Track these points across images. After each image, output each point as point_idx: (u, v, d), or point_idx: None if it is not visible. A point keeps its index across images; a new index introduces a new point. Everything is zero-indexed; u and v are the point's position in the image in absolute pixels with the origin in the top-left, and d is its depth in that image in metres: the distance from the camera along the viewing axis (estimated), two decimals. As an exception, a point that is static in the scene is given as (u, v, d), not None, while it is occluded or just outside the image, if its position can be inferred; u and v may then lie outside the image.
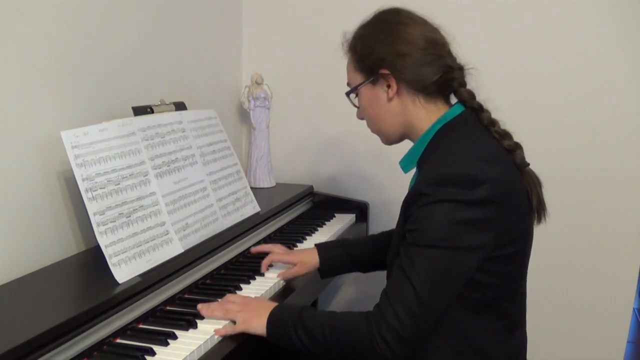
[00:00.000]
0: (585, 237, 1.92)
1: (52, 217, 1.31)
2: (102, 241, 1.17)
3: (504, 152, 1.11)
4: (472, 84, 1.16)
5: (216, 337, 1.11)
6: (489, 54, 1.87)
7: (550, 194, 1.15)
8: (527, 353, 1.21)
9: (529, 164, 1.14)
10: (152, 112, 1.46)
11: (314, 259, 1.41)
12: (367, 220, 2.01)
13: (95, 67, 1.45)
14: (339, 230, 1.82)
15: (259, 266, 1.42)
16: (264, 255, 1.46)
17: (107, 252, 1.17)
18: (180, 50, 1.81)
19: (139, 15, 1.61)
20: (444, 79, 1.12)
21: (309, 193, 2.03)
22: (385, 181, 2.09)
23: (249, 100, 2.06)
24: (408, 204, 1.06)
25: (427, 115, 1.14)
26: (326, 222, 1.87)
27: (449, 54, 1.14)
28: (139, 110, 1.43)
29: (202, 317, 1.17)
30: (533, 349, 1.26)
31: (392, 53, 1.11)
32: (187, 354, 1.03)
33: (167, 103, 1.53)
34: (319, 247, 1.44)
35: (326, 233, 1.77)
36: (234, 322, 1.14)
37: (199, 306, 1.18)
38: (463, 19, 1.88)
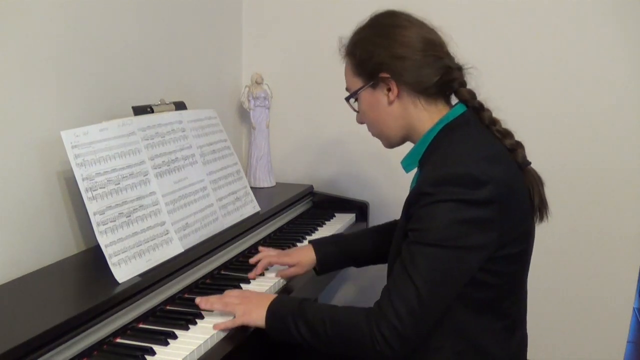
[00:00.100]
0: (586, 237, 1.92)
1: (52, 217, 1.31)
2: (102, 241, 1.17)
3: (506, 152, 1.11)
4: (472, 83, 1.16)
5: (216, 336, 1.11)
6: (489, 54, 1.87)
7: (550, 194, 1.15)
8: (527, 353, 1.22)
9: (530, 163, 1.14)
10: (152, 111, 1.46)
11: (310, 258, 1.41)
12: (367, 220, 2.01)
13: (95, 67, 1.45)
14: (338, 230, 1.82)
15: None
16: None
17: (107, 252, 1.17)
18: (180, 50, 1.81)
19: (139, 15, 1.61)
20: (444, 79, 1.12)
21: (309, 193, 2.03)
22: (386, 181, 2.09)
23: (249, 100, 2.06)
24: (410, 204, 1.06)
25: (428, 116, 1.13)
26: (326, 222, 1.88)
27: (447, 54, 1.14)
28: (139, 110, 1.43)
29: (202, 317, 1.17)
30: (533, 349, 1.26)
31: (391, 56, 1.10)
32: (187, 353, 1.03)
33: (167, 103, 1.53)
34: (315, 243, 1.43)
35: (326, 233, 1.77)
36: (234, 318, 1.14)
37: (198, 299, 1.18)
38: (463, 19, 1.89)
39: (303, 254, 1.42)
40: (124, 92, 1.54)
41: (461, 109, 1.14)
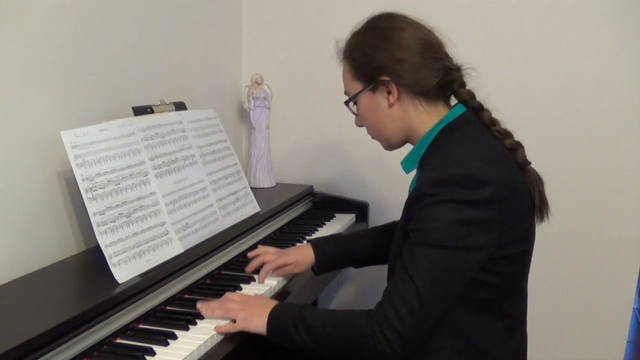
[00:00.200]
0: (586, 237, 1.92)
1: (52, 217, 1.31)
2: (102, 241, 1.17)
3: (506, 152, 1.11)
4: (471, 84, 1.16)
5: (216, 337, 1.11)
6: (488, 54, 1.87)
7: (550, 194, 1.15)
8: (527, 353, 1.22)
9: (530, 163, 1.14)
10: (152, 112, 1.46)
11: (308, 256, 1.40)
12: (367, 221, 2.01)
13: (95, 67, 1.45)
14: (339, 230, 1.81)
15: (259, 266, 1.42)
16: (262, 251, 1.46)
17: (107, 252, 1.16)
18: (180, 50, 1.81)
19: (139, 16, 1.61)
20: (443, 81, 1.12)
21: (309, 193, 2.03)
22: (386, 181, 2.09)
23: (249, 100, 2.06)
24: (410, 205, 1.06)
25: (428, 118, 1.13)
26: (326, 222, 1.87)
27: (446, 55, 1.14)
28: (139, 110, 1.43)
29: (202, 317, 1.16)
30: (533, 349, 1.26)
31: (391, 59, 1.10)
32: (187, 354, 1.03)
33: (167, 103, 1.53)
34: (313, 243, 1.43)
35: (326, 233, 1.76)
36: (234, 321, 1.14)
37: (199, 305, 1.18)
38: (462, 19, 1.89)
39: (301, 253, 1.41)
40: (124, 92, 1.54)
41: (461, 109, 1.14)
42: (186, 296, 1.29)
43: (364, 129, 1.23)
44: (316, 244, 1.43)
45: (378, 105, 1.15)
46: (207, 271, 1.40)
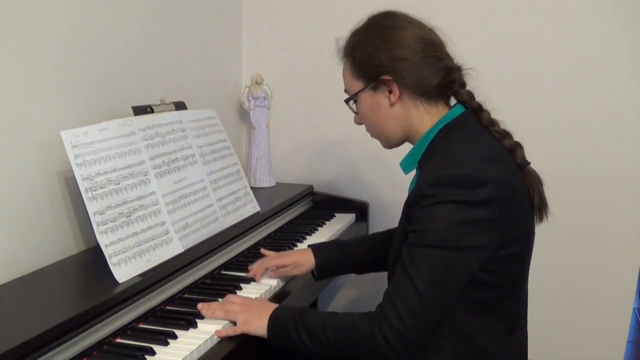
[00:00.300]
0: (586, 237, 1.92)
1: (52, 217, 1.31)
2: (102, 241, 1.17)
3: (505, 152, 1.11)
4: (471, 84, 1.16)
5: (216, 337, 1.11)
6: (488, 54, 1.86)
7: (550, 194, 1.15)
8: (527, 353, 1.22)
9: (529, 163, 1.14)
10: (152, 112, 1.46)
11: (308, 261, 1.39)
12: (367, 220, 2.01)
13: (95, 67, 1.45)
14: (339, 230, 1.82)
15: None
16: (262, 255, 1.46)
17: (107, 252, 1.17)
18: (180, 50, 1.81)
19: (139, 15, 1.61)
20: (444, 80, 1.12)
21: (309, 193, 2.03)
22: (386, 181, 2.09)
23: (249, 100, 2.06)
24: (410, 205, 1.06)
25: (429, 118, 1.13)
26: (326, 222, 1.87)
27: (447, 55, 1.14)
28: (139, 110, 1.43)
29: (202, 317, 1.17)
30: (533, 349, 1.26)
31: (392, 58, 1.10)
32: (187, 353, 1.03)
33: (167, 103, 1.53)
34: (314, 248, 1.42)
35: (326, 233, 1.77)
36: (234, 323, 1.14)
37: (200, 306, 1.18)
38: (462, 19, 1.89)
39: (300, 255, 1.41)
40: (124, 92, 1.54)
41: (460, 109, 1.14)
42: (186, 296, 1.29)
43: (363, 127, 1.23)
44: (317, 249, 1.41)
45: (379, 104, 1.15)
46: (207, 271, 1.40)
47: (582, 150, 1.87)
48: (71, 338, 0.98)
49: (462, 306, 1.06)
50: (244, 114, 2.18)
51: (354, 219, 1.98)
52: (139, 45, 1.61)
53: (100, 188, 1.21)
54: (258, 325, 1.12)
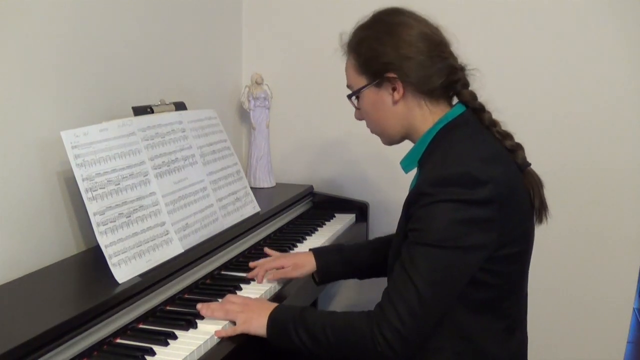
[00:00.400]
0: (585, 237, 1.92)
1: (52, 217, 1.31)
2: (102, 241, 1.17)
3: (505, 152, 1.11)
4: (473, 85, 1.16)
5: (216, 337, 1.11)
6: (488, 55, 1.86)
7: (549, 195, 1.15)
8: (527, 353, 1.21)
9: (530, 164, 1.13)
10: (152, 112, 1.46)
11: (309, 263, 1.39)
12: (367, 220, 2.01)
13: (95, 67, 1.45)
14: (339, 231, 1.82)
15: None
16: (263, 255, 1.46)
17: (107, 252, 1.16)
18: (180, 50, 1.81)
19: (139, 15, 1.61)
20: (448, 80, 1.11)
21: (309, 193, 2.03)
22: (386, 181, 2.09)
23: (249, 100, 2.06)
24: (410, 204, 1.06)
25: (431, 117, 1.13)
26: (326, 222, 1.87)
27: (451, 54, 1.14)
28: (139, 110, 1.43)
29: (202, 317, 1.16)
30: (533, 349, 1.26)
31: (398, 56, 1.09)
32: (187, 354, 1.03)
33: (167, 103, 1.53)
34: (315, 252, 1.41)
35: (326, 233, 1.77)
36: (234, 323, 1.14)
37: (199, 306, 1.18)
38: (462, 20, 1.88)
39: (300, 257, 1.40)
40: (124, 92, 1.54)
41: (460, 109, 1.14)
42: (186, 296, 1.29)
43: (363, 126, 1.23)
44: (318, 252, 1.40)
45: (382, 101, 1.14)
46: (207, 271, 1.40)
47: (582, 150, 1.87)
48: (71, 338, 0.98)
49: (462, 306, 1.06)
50: (244, 114, 2.18)
51: (354, 219, 1.98)
52: (139, 45, 1.61)
53: (100, 188, 1.21)
54: (258, 324, 1.12)
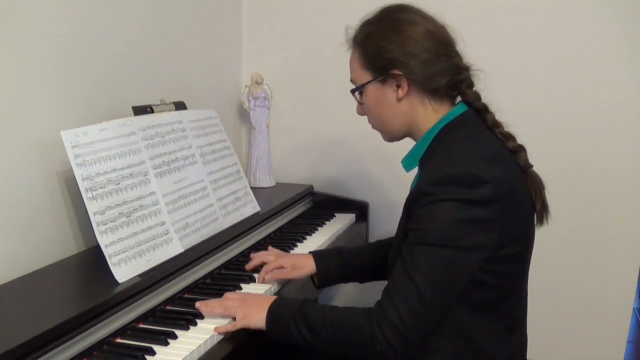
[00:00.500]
0: (585, 237, 1.92)
1: (52, 217, 1.31)
2: (102, 241, 1.17)
3: (507, 152, 1.11)
4: (477, 85, 1.16)
5: (216, 336, 1.11)
6: (489, 56, 1.85)
7: (550, 195, 1.15)
8: (527, 353, 1.21)
9: (532, 166, 1.13)
10: (152, 111, 1.46)
11: (308, 265, 1.38)
12: (367, 220, 2.01)
13: (95, 67, 1.45)
14: (339, 230, 1.82)
15: (260, 266, 1.42)
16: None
17: (107, 252, 1.17)
18: (180, 50, 1.81)
19: (139, 15, 1.61)
20: (453, 79, 1.11)
21: (309, 193, 2.03)
22: (386, 181, 2.09)
23: (249, 100, 2.06)
24: (411, 203, 1.06)
25: (434, 115, 1.13)
26: (326, 222, 1.87)
27: (457, 53, 1.13)
28: (139, 110, 1.43)
29: (202, 317, 1.16)
30: (533, 349, 1.26)
31: (404, 54, 1.09)
32: (187, 353, 1.03)
33: (167, 103, 1.53)
34: (315, 254, 1.40)
35: (326, 233, 1.77)
36: (234, 320, 1.14)
37: (198, 304, 1.18)
38: (461, 19, 1.88)
39: (299, 259, 1.40)
40: (124, 92, 1.54)
41: (461, 108, 1.14)
42: (186, 296, 1.29)
43: (363, 125, 1.22)
44: (318, 256, 1.40)
45: (386, 97, 1.14)
46: (207, 271, 1.40)
47: (582, 151, 1.87)
48: (71, 338, 0.98)
49: (462, 306, 1.06)
50: (244, 114, 2.18)
51: (354, 219, 1.98)
52: (139, 45, 1.61)
53: (100, 188, 1.21)
54: (257, 318, 1.11)
